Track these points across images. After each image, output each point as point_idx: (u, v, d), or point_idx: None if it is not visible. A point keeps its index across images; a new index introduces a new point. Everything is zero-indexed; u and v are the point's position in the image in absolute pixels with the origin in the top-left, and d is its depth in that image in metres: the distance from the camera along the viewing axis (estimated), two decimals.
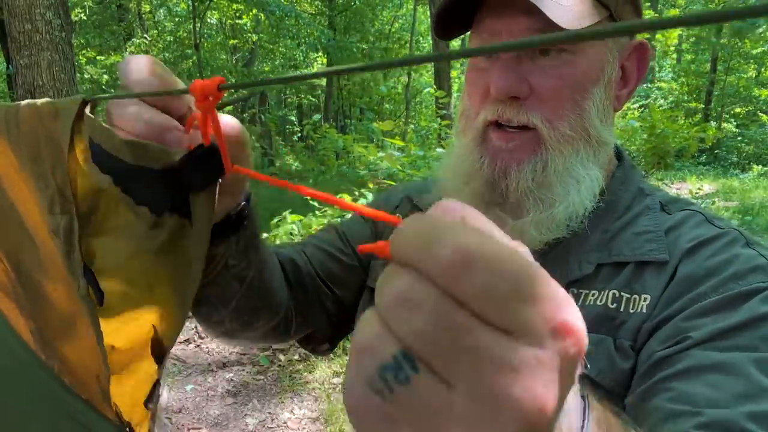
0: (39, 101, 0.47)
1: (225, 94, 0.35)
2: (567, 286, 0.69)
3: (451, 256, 0.24)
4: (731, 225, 0.70)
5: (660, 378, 0.59)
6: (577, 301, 0.68)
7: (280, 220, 4.59)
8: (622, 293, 0.66)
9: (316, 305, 0.87)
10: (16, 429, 0.52)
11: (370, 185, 5.75)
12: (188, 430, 3.20)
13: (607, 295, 0.67)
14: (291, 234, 4.41)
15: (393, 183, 5.81)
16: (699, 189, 9.73)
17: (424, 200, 0.86)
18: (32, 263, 0.52)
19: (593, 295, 0.68)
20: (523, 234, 0.69)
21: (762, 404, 0.53)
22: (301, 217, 4.90)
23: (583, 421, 0.33)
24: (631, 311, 0.65)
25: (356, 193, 5.31)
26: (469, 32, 0.74)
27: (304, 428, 3.11)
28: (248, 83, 0.34)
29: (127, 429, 0.51)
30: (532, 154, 0.68)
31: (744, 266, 0.63)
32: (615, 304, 0.66)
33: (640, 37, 0.76)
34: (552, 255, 0.72)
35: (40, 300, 0.52)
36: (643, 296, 0.65)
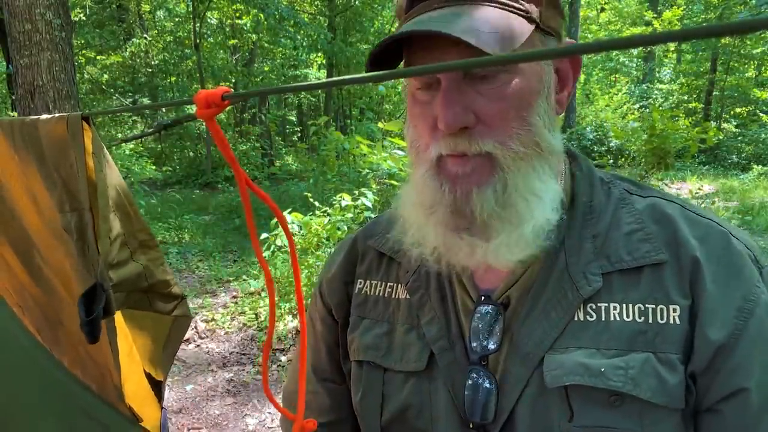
0: (41, 117, 0.49)
1: (228, 103, 0.36)
2: (584, 303, 0.70)
3: None
4: (715, 218, 0.73)
5: None
6: (599, 317, 0.68)
7: None
8: (646, 305, 0.68)
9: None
10: (29, 425, 0.52)
11: (374, 185, 5.74)
12: (188, 430, 3.20)
13: (632, 309, 0.68)
14: (292, 233, 4.41)
15: (395, 182, 5.81)
16: (699, 189, 9.72)
17: (385, 244, 0.86)
18: (42, 262, 0.53)
19: (615, 309, 0.69)
20: (496, 256, 0.69)
21: None
22: (302, 216, 4.90)
23: None
24: (661, 321, 0.67)
25: (356, 192, 5.31)
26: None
27: None
28: (252, 92, 0.35)
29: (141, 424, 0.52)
30: (491, 176, 0.68)
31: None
32: (642, 318, 0.67)
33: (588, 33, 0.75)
34: (554, 275, 0.72)
35: (51, 297, 0.53)
36: (672, 306, 0.67)
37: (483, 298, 0.76)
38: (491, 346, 0.73)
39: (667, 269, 0.68)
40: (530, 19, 0.67)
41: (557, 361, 0.69)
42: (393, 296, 0.84)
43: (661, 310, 0.67)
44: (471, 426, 0.73)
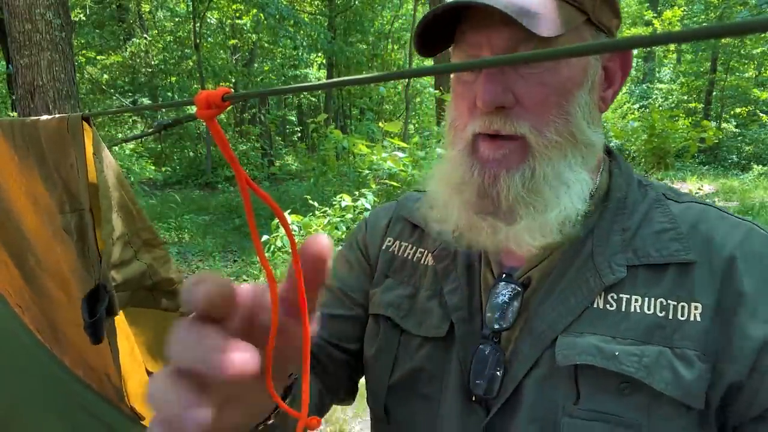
0: (42, 118, 0.49)
1: (229, 104, 0.35)
2: (605, 292, 0.70)
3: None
4: (754, 222, 0.73)
5: None
6: (619, 307, 0.68)
7: None
8: (668, 301, 0.68)
9: (340, 372, 0.89)
10: (31, 423, 0.53)
11: (373, 185, 5.75)
12: None
13: (654, 303, 0.68)
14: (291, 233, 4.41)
15: (395, 183, 5.81)
16: (699, 189, 9.73)
17: (416, 215, 0.86)
18: (36, 265, 0.53)
19: (636, 301, 0.69)
20: (517, 241, 0.70)
21: None
22: (302, 217, 4.90)
23: None
24: (681, 318, 0.66)
25: (356, 193, 5.31)
26: (451, 47, 0.74)
27: None
28: (252, 93, 0.34)
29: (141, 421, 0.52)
30: (521, 161, 0.69)
31: None
32: (663, 313, 0.67)
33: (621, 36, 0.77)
34: (578, 261, 0.72)
35: (43, 300, 0.53)
36: (693, 304, 0.67)
37: (504, 275, 0.76)
38: (505, 324, 0.74)
39: (696, 271, 0.68)
40: (581, 11, 0.68)
41: (570, 342, 0.68)
42: (422, 262, 0.85)
43: (683, 307, 0.67)
44: (474, 399, 0.74)
